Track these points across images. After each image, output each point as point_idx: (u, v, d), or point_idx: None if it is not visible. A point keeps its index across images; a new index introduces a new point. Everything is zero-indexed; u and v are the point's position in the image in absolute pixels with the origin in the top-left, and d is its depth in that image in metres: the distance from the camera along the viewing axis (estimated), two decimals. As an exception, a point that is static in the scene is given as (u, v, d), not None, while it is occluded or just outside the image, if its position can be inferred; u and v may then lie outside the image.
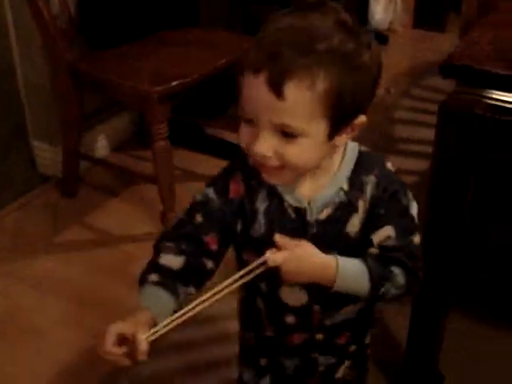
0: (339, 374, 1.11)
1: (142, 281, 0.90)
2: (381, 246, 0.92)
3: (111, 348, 0.81)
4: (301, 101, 0.81)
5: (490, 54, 1.23)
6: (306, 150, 0.84)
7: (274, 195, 0.94)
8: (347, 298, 0.95)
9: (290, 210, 0.94)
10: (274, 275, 0.89)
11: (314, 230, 0.93)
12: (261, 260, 0.86)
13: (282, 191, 0.93)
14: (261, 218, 0.94)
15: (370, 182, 0.93)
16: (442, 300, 1.43)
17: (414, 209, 0.95)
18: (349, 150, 0.94)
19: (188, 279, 0.91)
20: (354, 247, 0.93)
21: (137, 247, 1.99)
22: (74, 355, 1.65)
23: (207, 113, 2.62)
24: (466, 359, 1.60)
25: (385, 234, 0.92)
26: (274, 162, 0.85)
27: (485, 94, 1.18)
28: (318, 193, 0.93)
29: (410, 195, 0.95)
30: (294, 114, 0.81)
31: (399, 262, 0.92)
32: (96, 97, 2.28)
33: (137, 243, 2.02)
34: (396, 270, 0.92)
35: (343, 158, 0.94)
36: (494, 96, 1.17)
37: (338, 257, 0.90)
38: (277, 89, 0.80)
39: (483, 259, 1.91)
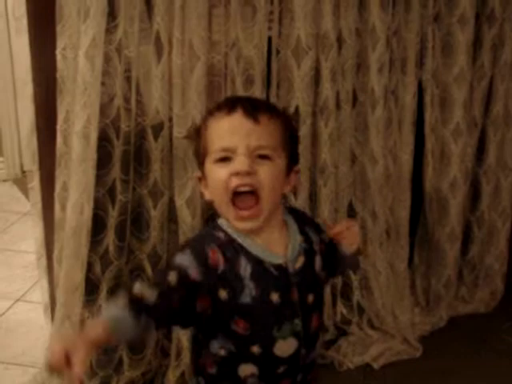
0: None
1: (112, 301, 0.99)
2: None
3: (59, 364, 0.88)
4: (271, 126, 1.06)
5: None
6: (273, 171, 1.06)
7: (253, 260, 1.08)
8: (319, 331, 1.17)
9: (272, 269, 1.09)
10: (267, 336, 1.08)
11: (297, 279, 1.11)
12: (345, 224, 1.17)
13: (257, 253, 1.09)
14: (249, 284, 1.06)
15: (310, 231, 1.18)
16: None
17: None
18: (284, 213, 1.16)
19: (154, 314, 1.01)
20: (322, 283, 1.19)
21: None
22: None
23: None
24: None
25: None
26: (249, 182, 1.04)
27: None
28: (284, 248, 1.12)
29: None
30: (266, 137, 1.05)
31: None
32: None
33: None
34: None
35: (284, 218, 1.15)
36: None
37: None
38: (253, 116, 1.04)
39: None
